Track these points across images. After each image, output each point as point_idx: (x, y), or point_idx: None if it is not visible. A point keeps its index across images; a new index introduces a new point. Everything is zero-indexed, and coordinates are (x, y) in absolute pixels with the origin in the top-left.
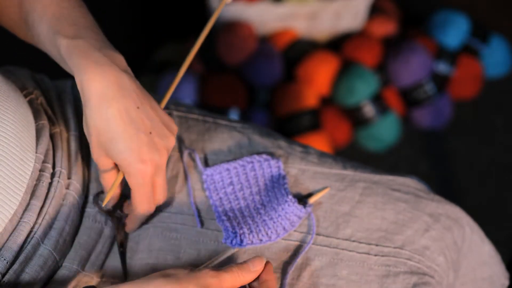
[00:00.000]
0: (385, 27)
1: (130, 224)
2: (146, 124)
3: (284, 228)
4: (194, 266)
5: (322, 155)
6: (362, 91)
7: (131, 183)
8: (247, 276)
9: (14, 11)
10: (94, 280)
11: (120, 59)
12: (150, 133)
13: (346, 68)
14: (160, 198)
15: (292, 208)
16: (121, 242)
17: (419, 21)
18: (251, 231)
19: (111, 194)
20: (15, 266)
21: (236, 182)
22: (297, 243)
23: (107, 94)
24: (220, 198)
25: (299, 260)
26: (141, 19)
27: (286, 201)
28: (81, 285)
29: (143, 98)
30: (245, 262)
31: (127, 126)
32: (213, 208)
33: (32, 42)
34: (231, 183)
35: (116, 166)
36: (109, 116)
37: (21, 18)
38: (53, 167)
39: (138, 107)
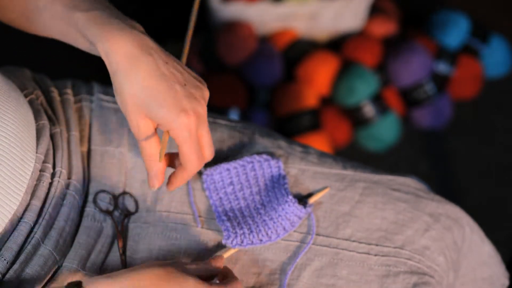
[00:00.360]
0: (385, 27)
1: (176, 182)
2: (178, 77)
3: (284, 228)
4: None
5: (322, 155)
6: (362, 91)
7: (178, 138)
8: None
9: (19, 3)
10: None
11: (138, 25)
12: (185, 84)
13: (346, 68)
14: (208, 153)
15: (292, 209)
16: (121, 241)
17: (419, 21)
18: (251, 231)
19: (163, 154)
20: (15, 266)
21: (236, 182)
22: (297, 243)
23: (134, 55)
24: (220, 198)
25: (298, 260)
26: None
27: (286, 201)
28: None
29: (167, 55)
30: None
31: (161, 81)
32: (213, 208)
33: (38, 31)
34: (231, 183)
35: (156, 132)
36: (141, 76)
37: (27, 7)
38: (53, 167)
39: (166, 62)
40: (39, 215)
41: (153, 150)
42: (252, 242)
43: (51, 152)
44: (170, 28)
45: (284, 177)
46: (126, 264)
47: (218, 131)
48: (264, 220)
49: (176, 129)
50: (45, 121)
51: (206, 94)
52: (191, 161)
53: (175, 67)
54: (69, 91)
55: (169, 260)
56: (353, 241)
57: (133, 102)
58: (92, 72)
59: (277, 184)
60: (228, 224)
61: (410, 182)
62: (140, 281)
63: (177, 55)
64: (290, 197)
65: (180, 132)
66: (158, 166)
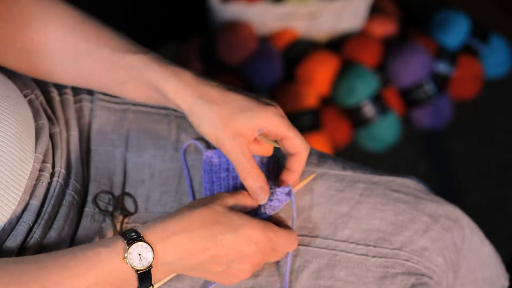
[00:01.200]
0: (385, 27)
1: (297, 170)
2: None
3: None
4: None
5: (322, 156)
6: (362, 91)
7: (280, 127)
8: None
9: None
10: None
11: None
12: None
13: (346, 68)
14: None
15: (279, 196)
16: None
17: (419, 21)
18: None
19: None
20: None
21: (232, 169)
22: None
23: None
24: (213, 182)
25: (298, 261)
26: (141, 19)
27: (271, 188)
28: None
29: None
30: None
31: (238, 94)
32: (203, 191)
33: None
34: (227, 169)
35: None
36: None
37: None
38: (53, 167)
39: (229, 89)
40: (38, 215)
41: (253, 164)
42: None
43: (50, 152)
44: (170, 28)
45: (279, 165)
46: None
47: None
48: None
49: (274, 120)
50: (44, 121)
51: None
52: (302, 139)
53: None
54: (68, 91)
55: (210, 198)
56: (351, 242)
57: (227, 122)
58: None
59: (270, 173)
60: None
61: (409, 183)
62: (192, 223)
63: (177, 55)
64: (276, 188)
65: (279, 119)
66: (262, 177)
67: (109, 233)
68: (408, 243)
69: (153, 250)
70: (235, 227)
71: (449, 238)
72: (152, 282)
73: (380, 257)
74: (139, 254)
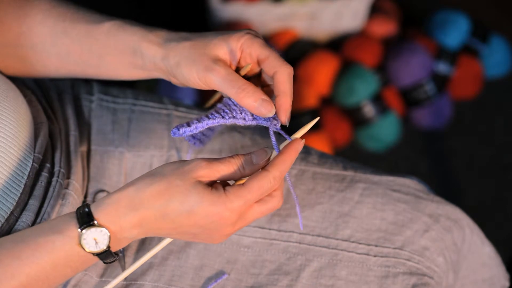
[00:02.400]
0: (385, 27)
1: (286, 105)
2: None
3: (244, 119)
4: None
5: (322, 155)
6: (362, 91)
7: (264, 47)
8: (246, 170)
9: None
10: (94, 280)
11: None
12: None
13: (346, 68)
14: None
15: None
16: None
17: (419, 21)
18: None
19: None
20: None
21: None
22: (296, 244)
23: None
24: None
25: (298, 261)
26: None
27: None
28: (81, 285)
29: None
30: (248, 153)
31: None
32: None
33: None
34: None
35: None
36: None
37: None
38: (52, 166)
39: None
40: (38, 214)
41: (244, 80)
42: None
43: (49, 151)
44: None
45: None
46: (124, 263)
47: (219, 131)
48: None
49: (247, 38)
50: (44, 121)
51: None
52: (279, 57)
53: None
54: (68, 90)
55: (180, 166)
56: (353, 241)
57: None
58: None
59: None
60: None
61: (410, 183)
62: (143, 201)
63: None
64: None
65: (252, 37)
66: (259, 90)
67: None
68: (409, 242)
69: (108, 232)
70: (190, 205)
71: (450, 238)
72: (117, 251)
73: (381, 256)
74: (95, 239)
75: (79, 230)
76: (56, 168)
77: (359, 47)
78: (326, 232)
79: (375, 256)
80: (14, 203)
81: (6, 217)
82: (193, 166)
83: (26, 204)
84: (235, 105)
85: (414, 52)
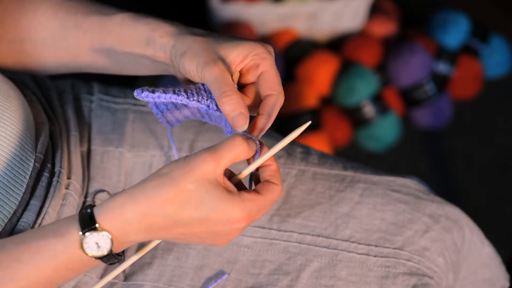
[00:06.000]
0: (385, 27)
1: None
2: None
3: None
4: None
5: (322, 156)
6: (362, 91)
7: (261, 55)
8: (251, 146)
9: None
10: (94, 280)
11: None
12: None
13: (346, 68)
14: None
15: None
16: None
17: (419, 21)
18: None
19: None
20: None
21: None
22: (296, 244)
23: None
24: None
25: (298, 261)
26: None
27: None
28: (81, 286)
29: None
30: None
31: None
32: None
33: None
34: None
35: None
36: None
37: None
38: (53, 167)
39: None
40: (38, 215)
41: (233, 87)
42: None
43: (50, 152)
44: None
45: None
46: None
47: (217, 131)
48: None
49: (260, 50)
50: (44, 121)
51: None
52: (280, 82)
53: None
54: (69, 90)
55: (184, 168)
56: (353, 242)
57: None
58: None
59: None
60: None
61: (410, 183)
62: (152, 208)
63: None
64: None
65: (265, 51)
66: (242, 103)
67: None
68: (409, 243)
69: (110, 236)
70: (204, 210)
71: (450, 238)
72: (119, 252)
73: (382, 256)
74: (97, 243)
75: (81, 233)
76: (57, 168)
77: (359, 47)
78: (326, 232)
79: (375, 256)
80: (17, 203)
81: (9, 217)
82: (199, 163)
83: (27, 204)
84: (205, 91)
85: (414, 52)
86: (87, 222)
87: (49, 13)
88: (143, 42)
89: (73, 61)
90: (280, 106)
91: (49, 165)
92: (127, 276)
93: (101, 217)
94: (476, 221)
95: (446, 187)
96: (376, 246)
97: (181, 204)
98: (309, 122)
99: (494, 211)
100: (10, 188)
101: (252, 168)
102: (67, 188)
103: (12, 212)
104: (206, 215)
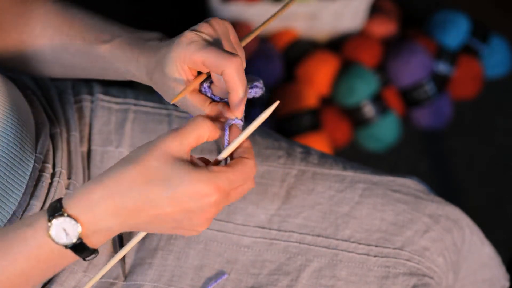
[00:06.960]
0: (385, 27)
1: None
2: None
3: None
4: None
5: (322, 156)
6: (362, 91)
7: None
8: (214, 133)
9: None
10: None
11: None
12: None
13: (346, 68)
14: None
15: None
16: (120, 240)
17: (419, 21)
18: None
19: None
20: None
21: None
22: (296, 244)
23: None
24: None
25: (298, 261)
26: (141, 20)
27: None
28: (81, 286)
29: None
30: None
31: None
32: None
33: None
34: None
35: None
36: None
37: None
38: (53, 167)
39: None
40: None
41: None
42: None
43: (50, 152)
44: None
45: None
46: (125, 264)
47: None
48: None
49: (190, 46)
50: (45, 121)
51: None
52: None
53: None
54: (69, 91)
55: (148, 148)
56: (353, 242)
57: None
58: None
59: None
60: None
61: (410, 183)
62: (119, 187)
63: None
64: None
65: (195, 46)
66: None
67: None
68: (409, 243)
69: (78, 222)
70: (172, 185)
71: (450, 238)
72: (95, 247)
73: (382, 256)
74: (64, 229)
75: (47, 220)
76: (57, 169)
77: (359, 47)
78: (326, 232)
79: (375, 256)
80: (17, 204)
81: (8, 218)
82: (162, 141)
83: (28, 204)
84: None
85: (414, 52)
86: (55, 209)
87: (38, 29)
88: (134, 64)
89: (71, 74)
90: (240, 68)
91: (49, 166)
92: (127, 276)
93: (68, 203)
94: (476, 221)
95: (446, 187)
96: (376, 246)
97: (147, 181)
98: (278, 102)
99: (494, 211)
100: (9, 188)
101: (227, 152)
102: (67, 188)
103: (11, 213)
104: (174, 191)
